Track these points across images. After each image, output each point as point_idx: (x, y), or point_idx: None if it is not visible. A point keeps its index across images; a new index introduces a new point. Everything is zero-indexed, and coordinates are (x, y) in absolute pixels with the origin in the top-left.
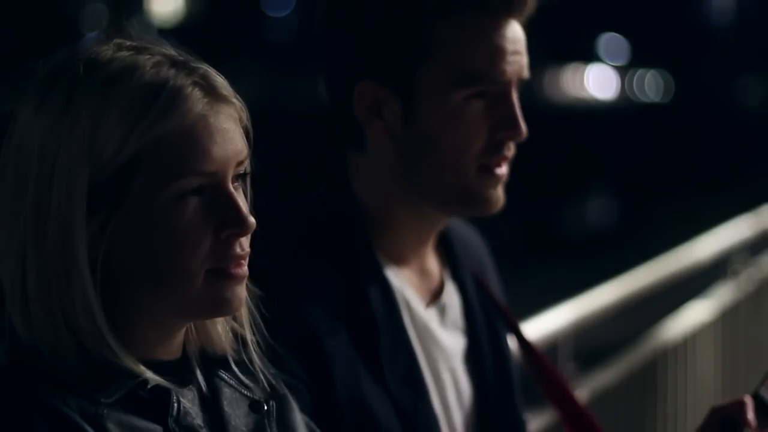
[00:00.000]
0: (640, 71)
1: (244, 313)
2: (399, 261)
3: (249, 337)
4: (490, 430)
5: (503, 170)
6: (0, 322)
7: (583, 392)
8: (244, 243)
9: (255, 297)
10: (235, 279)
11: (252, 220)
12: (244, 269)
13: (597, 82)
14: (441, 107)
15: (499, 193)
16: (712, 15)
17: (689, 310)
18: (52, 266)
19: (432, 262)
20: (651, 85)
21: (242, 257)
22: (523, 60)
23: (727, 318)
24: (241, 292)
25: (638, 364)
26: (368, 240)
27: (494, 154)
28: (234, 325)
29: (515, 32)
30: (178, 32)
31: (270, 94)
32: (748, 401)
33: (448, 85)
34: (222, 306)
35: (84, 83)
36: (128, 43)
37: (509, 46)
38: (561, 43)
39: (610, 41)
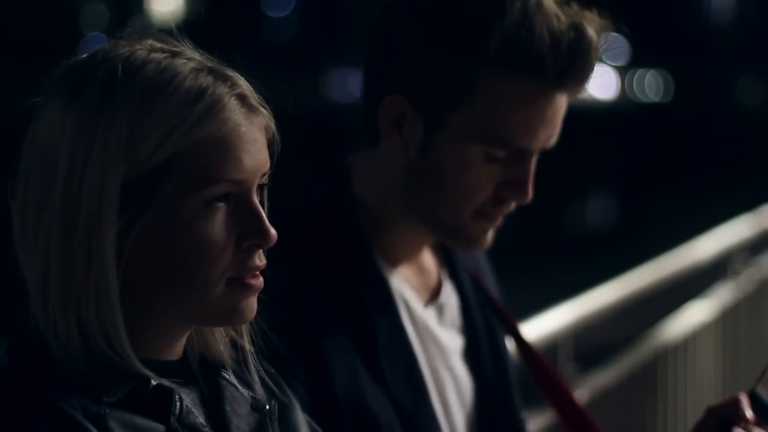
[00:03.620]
0: (640, 71)
1: (244, 324)
2: (397, 261)
3: (248, 347)
4: (489, 428)
5: (498, 219)
6: (3, 321)
7: (583, 392)
8: (262, 254)
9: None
10: (251, 289)
11: (274, 232)
12: (260, 280)
13: (597, 82)
14: (459, 152)
15: (488, 237)
16: (712, 15)
17: (689, 310)
18: (76, 265)
19: (430, 262)
20: (651, 85)
21: (259, 268)
22: (555, 131)
23: (727, 318)
24: (254, 302)
25: (638, 364)
26: (366, 240)
27: (494, 207)
28: (233, 335)
29: (557, 105)
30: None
31: (270, 93)
32: (744, 398)
33: (474, 135)
34: (236, 315)
35: (122, 82)
36: (159, 45)
37: (545, 120)
38: None
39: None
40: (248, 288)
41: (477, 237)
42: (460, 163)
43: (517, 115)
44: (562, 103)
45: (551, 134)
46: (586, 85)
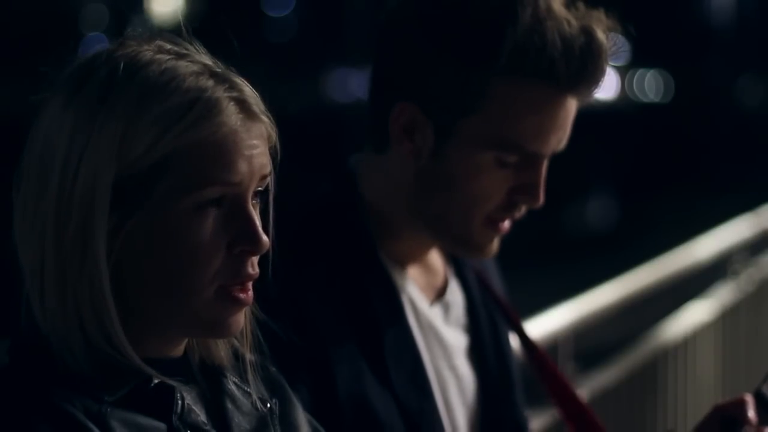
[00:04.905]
0: (640, 71)
1: (246, 332)
2: (403, 259)
3: (248, 356)
4: (492, 427)
5: (506, 225)
6: (4, 321)
7: (583, 392)
8: (255, 263)
9: (260, 313)
10: (239, 304)
11: (266, 239)
12: (249, 294)
13: None
14: (471, 158)
15: (495, 245)
16: (712, 15)
17: (689, 310)
18: (69, 259)
19: (436, 260)
20: (651, 85)
21: (251, 277)
22: (566, 134)
23: (727, 318)
24: (241, 317)
25: (638, 364)
26: (372, 239)
27: (505, 212)
28: (235, 343)
29: (568, 110)
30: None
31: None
32: (749, 399)
33: (486, 142)
34: (220, 329)
35: (122, 81)
36: (168, 46)
37: (558, 123)
38: None
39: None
40: (237, 302)
41: (484, 244)
42: (472, 170)
43: (529, 121)
44: (572, 107)
45: (562, 138)
46: (598, 88)
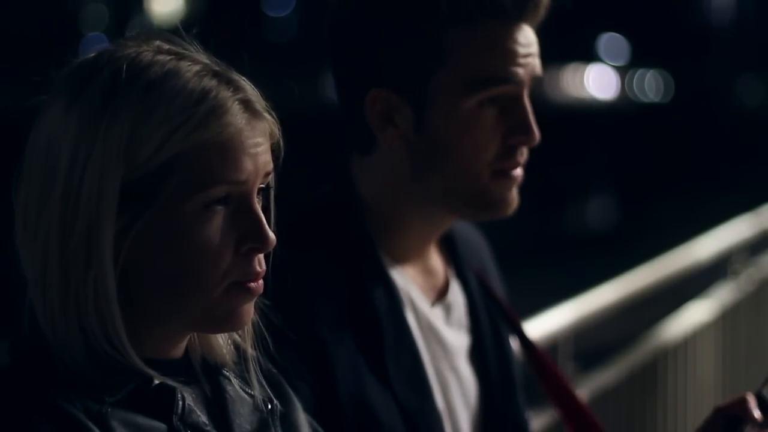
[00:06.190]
0: (640, 71)
1: (247, 327)
2: (403, 260)
3: (250, 351)
4: (493, 428)
5: (518, 172)
6: (5, 321)
7: (583, 392)
8: (261, 260)
9: (261, 306)
10: (251, 294)
11: (273, 237)
12: (260, 284)
13: (597, 82)
14: (453, 114)
15: (514, 195)
16: (712, 15)
17: (689, 310)
18: (74, 262)
19: (436, 261)
20: (651, 85)
21: (259, 275)
22: (536, 61)
23: (727, 318)
24: (251, 308)
25: (638, 364)
26: (372, 240)
27: (507, 159)
28: (236, 339)
29: (527, 36)
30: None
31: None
32: (751, 398)
33: (460, 91)
34: (233, 320)
35: (125, 83)
36: (167, 46)
37: (521, 50)
38: (561, 43)
39: (610, 41)
40: (248, 292)
41: (502, 197)
42: (461, 125)
43: (492, 56)
44: (529, 32)
45: (533, 63)
46: (546, 10)
